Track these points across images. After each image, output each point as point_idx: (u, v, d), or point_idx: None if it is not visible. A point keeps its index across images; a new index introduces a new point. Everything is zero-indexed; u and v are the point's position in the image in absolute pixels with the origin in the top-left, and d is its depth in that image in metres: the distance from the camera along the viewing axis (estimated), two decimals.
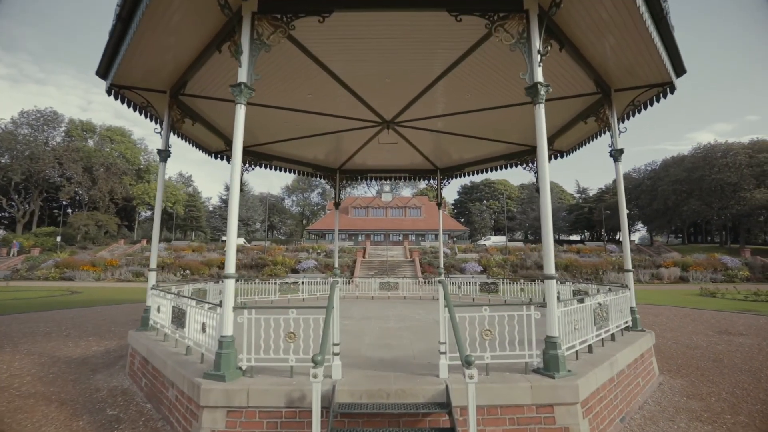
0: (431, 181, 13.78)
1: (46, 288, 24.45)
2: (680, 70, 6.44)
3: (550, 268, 4.44)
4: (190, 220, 77.51)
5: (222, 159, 11.48)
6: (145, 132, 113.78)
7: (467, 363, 3.18)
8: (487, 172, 12.97)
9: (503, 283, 11.95)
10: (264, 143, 10.91)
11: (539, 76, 4.59)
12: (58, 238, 49.78)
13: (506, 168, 12.32)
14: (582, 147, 10.28)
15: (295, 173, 12.92)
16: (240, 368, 4.18)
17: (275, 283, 12.03)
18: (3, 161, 57.71)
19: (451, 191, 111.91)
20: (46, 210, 65.94)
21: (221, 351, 4.12)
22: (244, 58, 4.69)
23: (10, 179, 56.47)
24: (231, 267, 4.40)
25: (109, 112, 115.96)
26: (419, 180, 13.85)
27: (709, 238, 70.21)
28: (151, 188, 65.60)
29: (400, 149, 11.59)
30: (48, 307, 15.31)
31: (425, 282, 15.59)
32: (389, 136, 10.09)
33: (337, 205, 13.72)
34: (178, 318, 5.44)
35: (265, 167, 12.14)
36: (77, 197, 64.63)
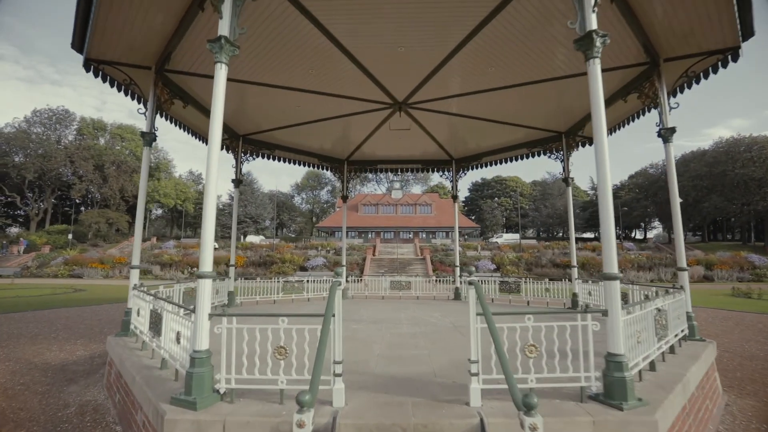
0: (445, 173, 12.83)
1: (51, 285, 24.09)
2: (748, 30, 5.39)
3: (612, 265, 3.45)
4: (201, 218, 77.52)
5: (222, 149, 10.70)
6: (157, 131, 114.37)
7: (528, 407, 2.27)
8: (506, 162, 11.97)
9: (525, 281, 10.95)
10: (265, 130, 10.09)
11: (593, 23, 3.63)
12: (70, 236, 50.00)
13: (528, 157, 11.30)
14: (615, 132, 9.21)
15: (299, 164, 12.07)
16: (217, 391, 3.32)
17: (278, 281, 11.20)
18: (17, 160, 58.21)
19: (461, 188, 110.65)
20: (59, 208, 66.47)
21: (193, 370, 3.26)
22: (226, 7, 3.83)
23: (24, 178, 56.94)
24: (207, 264, 3.55)
25: (123, 112, 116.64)
26: (433, 171, 12.92)
27: (730, 236, 67.94)
28: (161, 186, 65.67)
29: (413, 137, 10.67)
30: (47, 305, 14.75)
31: (438, 281, 14.64)
32: (401, 120, 9.18)
33: (345, 198, 12.85)
34: (155, 324, 4.63)
35: (267, 158, 11.32)
36: (89, 195, 65.02)
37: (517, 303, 10.78)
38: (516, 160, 11.62)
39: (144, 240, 54.35)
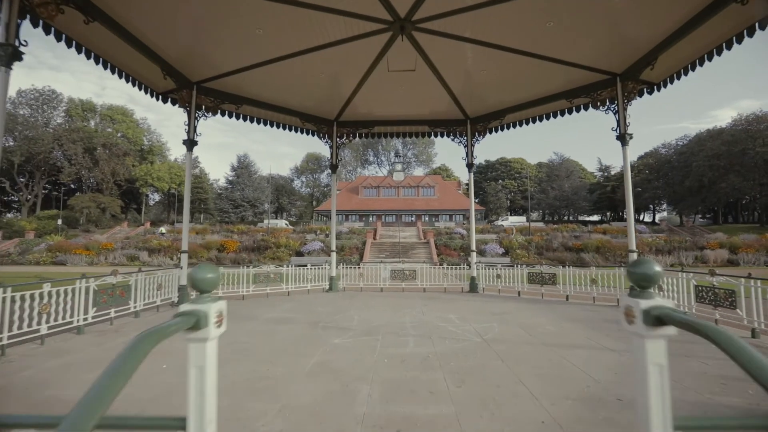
0: (459, 137, 10.39)
1: (18, 274, 21.92)
2: None
3: None
4: (198, 202, 75.63)
5: (175, 104, 8.28)
6: (158, 117, 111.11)
7: None
8: (534, 122, 9.53)
9: (565, 266, 8.55)
10: (226, 73, 7.60)
11: None
12: (59, 221, 48.04)
13: (566, 114, 8.86)
14: (691, 71, 6.75)
15: (275, 126, 9.65)
16: None
17: (247, 268, 8.86)
18: (5, 143, 55.88)
19: (465, 170, 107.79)
20: (53, 193, 64.33)
21: None
22: None
23: (12, 162, 54.68)
24: None
25: (123, 98, 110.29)
26: (443, 135, 10.47)
27: (742, 218, 65.34)
28: (154, 169, 63.45)
29: (418, 87, 8.25)
30: None
31: (448, 267, 12.34)
32: (403, 52, 6.74)
33: (334, 167, 10.48)
34: None
35: (234, 116, 8.91)
36: (83, 180, 62.79)
37: (551, 297, 8.53)
38: (549, 118, 9.17)
39: (139, 225, 52.53)
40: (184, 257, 7.70)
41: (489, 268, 9.99)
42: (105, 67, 6.57)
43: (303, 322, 5.94)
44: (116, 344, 4.65)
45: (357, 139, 10.65)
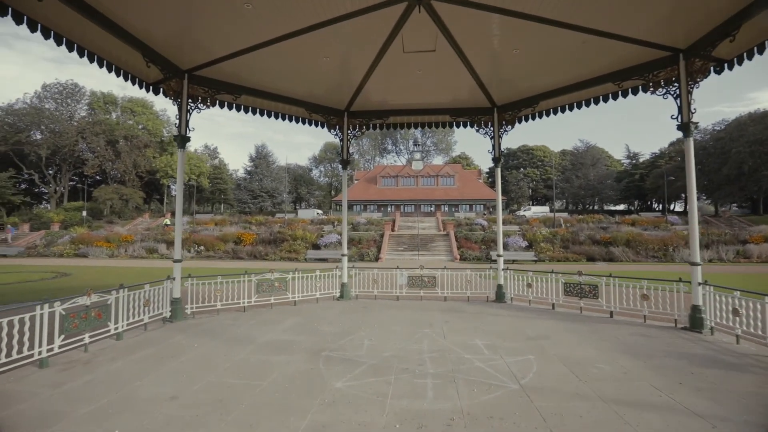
0: (484, 128, 9.25)
1: (36, 268, 22.00)
2: None
3: None
4: (217, 192, 76.32)
5: (167, 96, 7.42)
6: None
7: None
8: (571, 109, 8.29)
9: (609, 278, 7.31)
10: (220, 59, 6.69)
11: None
12: (84, 213, 49.10)
13: (605, 101, 7.61)
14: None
15: (280, 118, 8.73)
16: None
17: (250, 279, 7.99)
18: (31, 135, 57.30)
19: (485, 158, 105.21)
20: (79, 185, 65.87)
21: None
22: None
23: (40, 155, 56.07)
24: None
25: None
26: (466, 125, 9.36)
27: None
28: (173, 160, 64.06)
29: (439, 71, 7.17)
30: None
31: (471, 271, 11.22)
32: (421, 29, 5.67)
33: (345, 163, 9.51)
34: None
35: (235, 108, 8.04)
36: (106, 172, 63.94)
37: (592, 311, 7.42)
38: (590, 104, 7.89)
39: (160, 216, 53.16)
40: (177, 267, 6.93)
41: (518, 275, 8.91)
42: (81, 55, 5.77)
43: (303, 350, 5.08)
44: (78, 385, 3.89)
45: (371, 130, 9.65)
